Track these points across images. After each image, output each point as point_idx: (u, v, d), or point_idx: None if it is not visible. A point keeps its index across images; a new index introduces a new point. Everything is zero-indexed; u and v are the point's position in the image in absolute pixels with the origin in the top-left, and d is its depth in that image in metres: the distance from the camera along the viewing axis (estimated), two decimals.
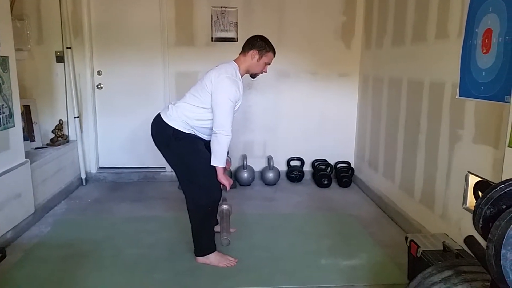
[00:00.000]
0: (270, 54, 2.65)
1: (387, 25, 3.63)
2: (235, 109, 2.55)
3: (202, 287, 2.37)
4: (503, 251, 1.05)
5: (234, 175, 4.36)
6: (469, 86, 2.38)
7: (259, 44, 2.61)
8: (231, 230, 3.05)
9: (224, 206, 2.52)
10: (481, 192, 1.33)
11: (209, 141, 2.56)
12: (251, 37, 2.66)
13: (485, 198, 1.21)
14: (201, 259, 2.61)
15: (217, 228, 2.90)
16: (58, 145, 3.96)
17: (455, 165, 2.57)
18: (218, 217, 2.72)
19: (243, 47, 2.65)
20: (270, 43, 2.66)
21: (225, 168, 2.60)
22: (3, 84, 2.86)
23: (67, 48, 4.08)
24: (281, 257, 2.73)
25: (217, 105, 2.45)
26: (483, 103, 2.26)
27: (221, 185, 2.58)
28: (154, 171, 4.48)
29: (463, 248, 2.13)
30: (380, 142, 3.81)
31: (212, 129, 2.48)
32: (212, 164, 2.50)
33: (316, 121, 4.51)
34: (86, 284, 2.37)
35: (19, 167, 3.05)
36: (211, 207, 2.61)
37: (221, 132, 2.44)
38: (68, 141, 4.16)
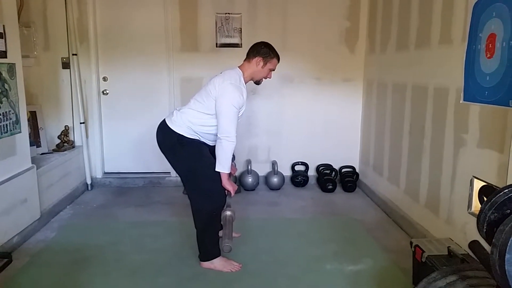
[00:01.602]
0: (275, 60, 2.66)
1: (391, 30, 3.63)
2: (239, 115, 2.56)
3: None
4: (507, 256, 1.05)
5: (238, 180, 4.37)
6: (473, 91, 2.37)
7: (264, 51, 2.62)
8: (235, 235, 3.06)
9: (227, 212, 2.52)
10: (485, 196, 1.33)
11: (214, 146, 2.57)
12: (255, 44, 2.67)
13: (489, 203, 1.21)
14: (205, 264, 2.62)
15: (221, 233, 2.90)
16: (64, 151, 3.98)
17: (460, 169, 2.56)
18: (222, 223, 2.72)
19: (248, 54, 2.67)
20: (275, 49, 2.67)
21: (230, 174, 2.60)
22: (10, 90, 2.90)
23: (73, 54, 4.12)
24: (285, 261, 2.73)
25: (221, 111, 2.47)
26: (488, 107, 2.26)
27: (226, 190, 2.59)
28: (159, 176, 4.50)
29: (468, 253, 2.12)
30: (385, 147, 3.81)
31: (217, 135, 2.50)
32: (216, 169, 2.51)
33: (320, 126, 4.52)
34: None
35: (26, 172, 3.07)
36: (216, 212, 2.61)
37: (225, 138, 2.46)
38: (73, 147, 4.19)
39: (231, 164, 2.84)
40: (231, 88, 2.47)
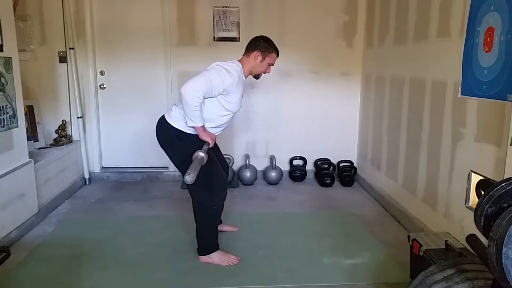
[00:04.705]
0: (274, 55, 2.65)
1: (389, 24, 3.62)
2: (232, 103, 2.54)
3: (204, 286, 2.38)
4: (504, 249, 1.05)
5: (236, 174, 4.37)
6: (471, 85, 2.37)
7: (263, 45, 2.61)
8: (233, 229, 3.09)
9: (200, 153, 2.36)
10: (483, 190, 1.33)
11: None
12: (254, 38, 2.66)
13: (487, 197, 1.21)
14: (203, 258, 2.62)
15: (220, 227, 2.91)
16: (61, 145, 3.97)
17: (457, 163, 2.57)
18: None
19: (246, 48, 2.65)
20: (273, 43, 2.66)
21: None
22: (6, 84, 2.88)
23: (70, 48, 4.10)
24: (283, 256, 2.74)
25: (197, 75, 2.42)
26: (485, 101, 2.25)
27: (205, 142, 2.51)
28: (157, 170, 4.50)
29: (466, 247, 2.13)
30: (383, 141, 3.81)
31: (180, 91, 2.40)
32: (188, 125, 2.46)
33: (318, 120, 4.52)
34: (89, 283, 2.39)
35: (23, 167, 3.06)
36: (216, 206, 2.62)
37: (186, 92, 2.36)
38: (71, 141, 4.18)
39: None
40: (218, 67, 2.46)
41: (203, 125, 2.50)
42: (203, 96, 2.40)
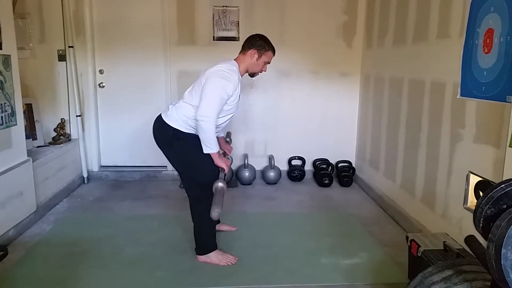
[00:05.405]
0: (270, 53, 2.65)
1: (389, 24, 3.63)
2: (230, 106, 2.54)
3: (203, 285, 2.38)
4: (503, 250, 1.06)
5: (235, 174, 4.37)
6: (470, 86, 2.38)
7: (259, 43, 2.61)
8: (232, 228, 3.08)
9: (219, 184, 2.33)
10: (482, 191, 1.33)
11: None
12: (250, 36, 2.66)
13: (486, 198, 1.21)
14: (201, 258, 2.62)
15: (219, 227, 2.91)
16: (60, 144, 3.96)
17: (456, 164, 2.57)
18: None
19: (243, 46, 2.66)
20: (270, 42, 2.65)
21: (225, 153, 2.58)
22: (5, 82, 2.87)
23: (69, 47, 4.09)
24: (282, 255, 2.74)
25: (205, 94, 2.43)
26: (484, 103, 2.26)
27: (220, 168, 2.53)
28: (156, 169, 4.49)
29: (464, 248, 2.14)
30: (381, 142, 3.81)
31: (196, 118, 2.44)
32: (205, 152, 2.47)
33: (317, 120, 4.52)
34: (87, 282, 2.38)
35: (21, 165, 3.05)
36: None
37: (202, 120, 2.40)
38: (70, 140, 4.18)
39: (228, 145, 2.83)
40: (217, 77, 2.46)
41: (219, 151, 2.52)
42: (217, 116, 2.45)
